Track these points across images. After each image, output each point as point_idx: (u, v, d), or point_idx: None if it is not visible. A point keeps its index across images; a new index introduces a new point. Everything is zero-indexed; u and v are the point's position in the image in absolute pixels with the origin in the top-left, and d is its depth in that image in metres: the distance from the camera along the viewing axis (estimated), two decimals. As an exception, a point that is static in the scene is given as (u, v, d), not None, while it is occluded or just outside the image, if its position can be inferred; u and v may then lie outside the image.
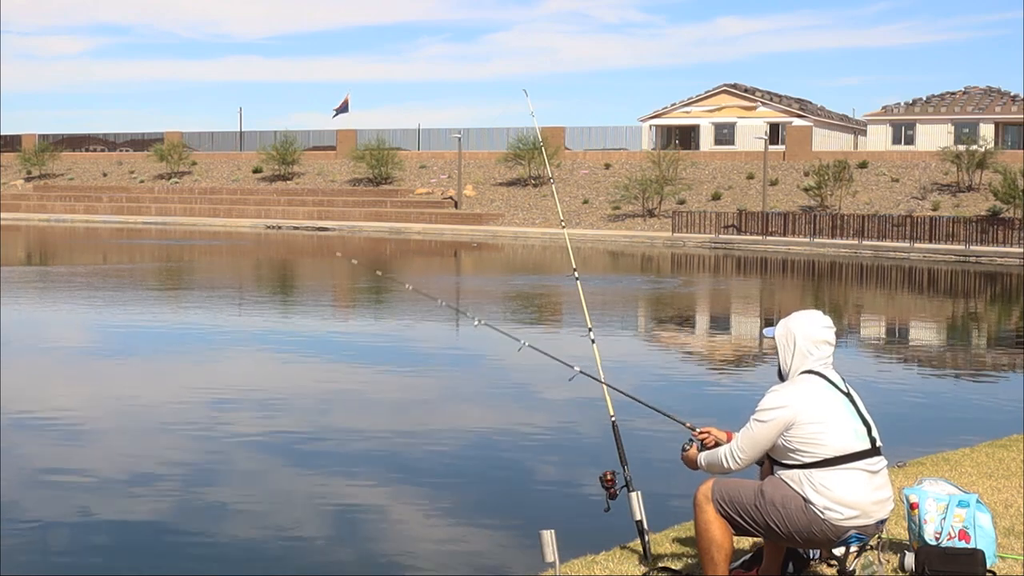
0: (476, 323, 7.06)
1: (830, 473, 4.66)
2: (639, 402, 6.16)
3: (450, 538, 7.55)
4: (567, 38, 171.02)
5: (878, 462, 4.75)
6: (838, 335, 5.03)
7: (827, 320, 4.93)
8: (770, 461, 4.89)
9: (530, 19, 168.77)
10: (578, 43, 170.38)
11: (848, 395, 4.79)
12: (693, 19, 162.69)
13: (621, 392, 6.33)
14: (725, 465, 4.87)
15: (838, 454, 4.66)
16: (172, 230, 52.69)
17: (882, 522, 4.80)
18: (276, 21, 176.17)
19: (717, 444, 5.09)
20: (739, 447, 4.82)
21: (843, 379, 4.86)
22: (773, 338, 4.98)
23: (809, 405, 4.70)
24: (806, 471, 4.69)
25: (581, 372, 6.27)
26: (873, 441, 4.75)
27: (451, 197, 57.99)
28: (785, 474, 4.77)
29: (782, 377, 4.92)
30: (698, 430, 5.21)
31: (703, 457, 5.01)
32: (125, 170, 69.70)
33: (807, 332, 4.86)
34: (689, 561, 5.65)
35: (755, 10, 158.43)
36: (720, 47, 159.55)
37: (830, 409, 4.71)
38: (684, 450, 5.16)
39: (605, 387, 6.27)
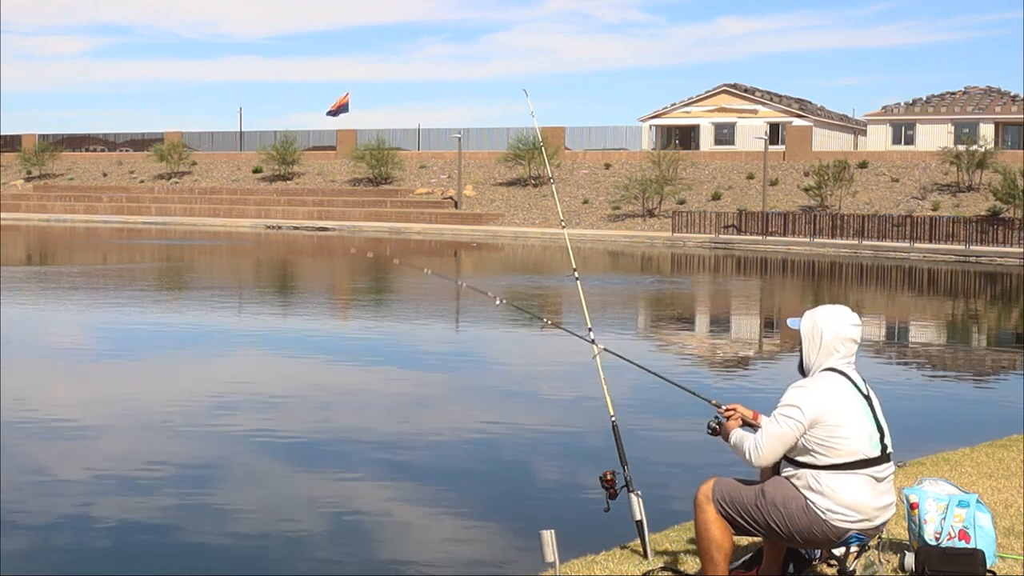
0: (497, 303, 7.03)
1: (837, 476, 4.65)
2: (663, 379, 6.19)
3: (450, 538, 7.55)
4: (567, 38, 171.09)
5: (886, 469, 4.74)
6: None
7: (855, 317, 4.83)
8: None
9: (530, 19, 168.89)
10: (578, 43, 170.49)
11: (867, 398, 4.75)
12: (693, 19, 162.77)
13: (645, 369, 6.37)
14: (747, 456, 4.78)
15: (850, 460, 4.65)
16: (172, 230, 52.69)
17: (883, 524, 4.80)
18: (276, 21, 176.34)
19: (744, 423, 5.00)
20: (763, 443, 4.71)
21: (864, 380, 4.81)
22: (797, 329, 4.87)
23: (832, 408, 4.64)
24: (814, 471, 4.67)
25: (605, 350, 6.31)
26: (884, 448, 4.73)
27: (451, 197, 57.99)
28: (791, 472, 4.76)
29: (803, 370, 4.85)
30: (724, 407, 5.11)
31: (735, 435, 4.90)
32: (125, 170, 69.70)
33: (834, 328, 4.76)
34: (689, 561, 5.65)
35: (755, 10, 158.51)
36: (720, 47, 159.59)
37: (850, 414, 4.66)
38: (711, 428, 5.05)
39: (605, 387, 6.26)
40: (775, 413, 4.74)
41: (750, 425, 4.99)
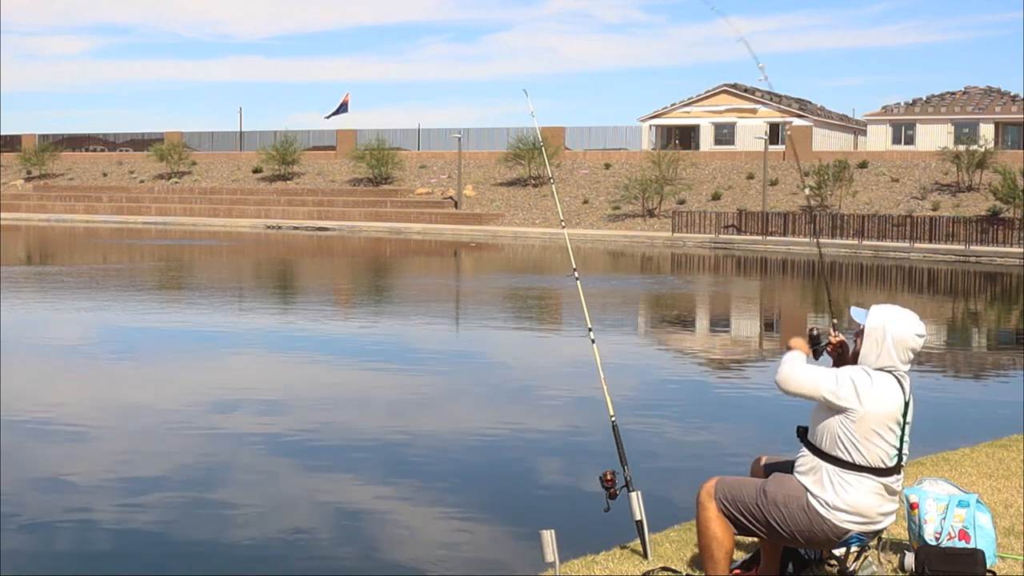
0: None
1: (850, 475, 4.66)
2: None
3: (450, 538, 7.55)
4: (568, 38, 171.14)
5: (897, 480, 4.75)
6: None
7: (921, 327, 4.75)
8: (804, 441, 4.84)
9: (531, 19, 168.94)
10: (579, 43, 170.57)
11: (907, 404, 4.72)
12: (694, 19, 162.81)
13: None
14: (785, 366, 4.76)
15: (868, 465, 4.66)
16: (172, 230, 52.69)
17: (884, 528, 4.81)
18: (278, 21, 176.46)
19: (840, 356, 4.96)
20: (803, 376, 4.70)
21: (910, 386, 4.78)
22: (862, 324, 4.78)
23: (878, 414, 4.62)
24: (832, 466, 4.68)
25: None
26: (900, 459, 4.74)
27: (451, 197, 58.00)
28: (808, 462, 4.74)
29: (854, 359, 4.80)
30: (834, 337, 5.02)
31: (793, 354, 4.85)
32: (125, 170, 69.70)
33: (900, 335, 4.70)
34: (689, 560, 5.65)
35: (756, 10, 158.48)
36: (721, 47, 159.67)
37: (889, 425, 4.65)
38: (814, 338, 4.99)
39: (605, 387, 6.25)
40: (835, 371, 4.71)
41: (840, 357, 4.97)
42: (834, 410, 4.67)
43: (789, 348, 4.96)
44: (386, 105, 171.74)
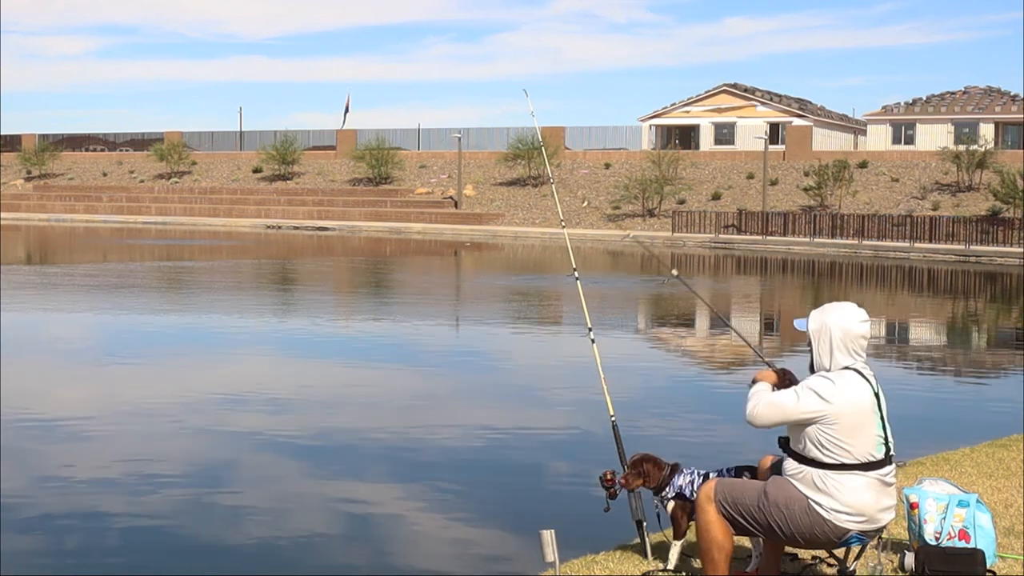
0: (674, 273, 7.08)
1: (843, 476, 4.65)
2: (724, 322, 6.25)
3: (450, 538, 7.55)
4: (573, 38, 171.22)
5: (890, 471, 4.74)
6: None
7: (863, 314, 4.75)
8: (787, 451, 4.84)
9: (537, 19, 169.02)
10: (584, 43, 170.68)
11: (877, 396, 4.72)
12: (700, 19, 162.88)
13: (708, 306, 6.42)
14: (750, 404, 4.75)
15: (858, 462, 4.65)
16: (172, 230, 52.69)
17: (884, 526, 4.80)
18: (280, 21, 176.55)
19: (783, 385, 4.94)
20: (766, 408, 4.69)
21: (874, 377, 4.77)
22: (805, 331, 4.80)
23: (853, 409, 4.61)
24: (820, 471, 4.67)
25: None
26: (888, 450, 4.73)
27: (451, 197, 58.00)
28: (796, 470, 4.74)
29: (812, 370, 4.78)
30: (777, 367, 5.05)
31: (757, 386, 4.86)
32: (125, 170, 69.70)
33: (844, 327, 4.69)
34: (689, 561, 5.64)
35: (761, 10, 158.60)
36: (723, 47, 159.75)
37: (866, 418, 4.64)
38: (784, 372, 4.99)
39: (605, 387, 6.25)
40: (795, 388, 4.70)
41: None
42: (810, 422, 4.66)
43: (754, 381, 4.94)
44: (387, 105, 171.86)
